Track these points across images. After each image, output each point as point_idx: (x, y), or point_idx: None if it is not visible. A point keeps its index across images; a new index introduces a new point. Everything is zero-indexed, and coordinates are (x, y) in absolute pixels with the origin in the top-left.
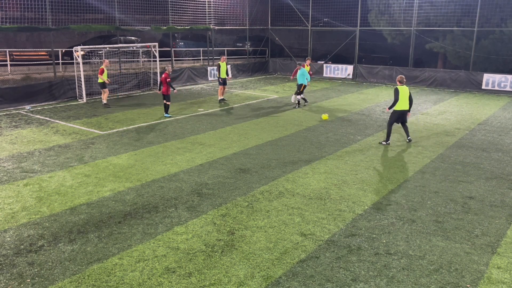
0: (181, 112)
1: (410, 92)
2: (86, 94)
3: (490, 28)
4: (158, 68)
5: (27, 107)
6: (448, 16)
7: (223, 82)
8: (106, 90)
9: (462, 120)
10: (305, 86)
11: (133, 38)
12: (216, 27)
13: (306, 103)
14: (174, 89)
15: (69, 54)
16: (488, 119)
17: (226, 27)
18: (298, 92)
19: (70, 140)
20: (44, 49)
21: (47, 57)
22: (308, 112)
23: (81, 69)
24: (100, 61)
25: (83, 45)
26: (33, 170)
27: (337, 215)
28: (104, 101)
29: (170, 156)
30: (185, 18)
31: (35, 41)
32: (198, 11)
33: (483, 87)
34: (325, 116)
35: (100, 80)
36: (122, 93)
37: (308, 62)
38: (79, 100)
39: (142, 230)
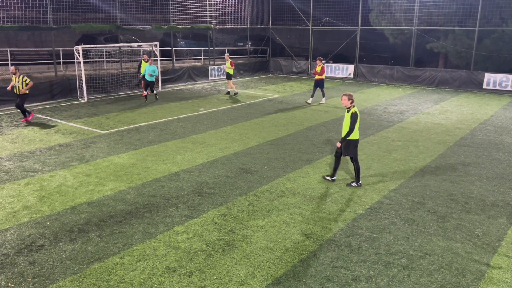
0: (182, 111)
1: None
2: (87, 94)
3: (491, 28)
4: (159, 68)
5: None
6: (449, 15)
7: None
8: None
9: (463, 119)
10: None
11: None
12: (217, 27)
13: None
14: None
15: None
16: (489, 118)
17: (227, 27)
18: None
19: (71, 139)
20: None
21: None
22: (309, 112)
23: (82, 68)
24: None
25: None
26: (34, 169)
27: (337, 215)
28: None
29: (171, 155)
30: (186, 18)
31: (36, 40)
32: (199, 11)
33: (484, 86)
34: None
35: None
36: (123, 93)
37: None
38: (80, 99)
39: (143, 230)
